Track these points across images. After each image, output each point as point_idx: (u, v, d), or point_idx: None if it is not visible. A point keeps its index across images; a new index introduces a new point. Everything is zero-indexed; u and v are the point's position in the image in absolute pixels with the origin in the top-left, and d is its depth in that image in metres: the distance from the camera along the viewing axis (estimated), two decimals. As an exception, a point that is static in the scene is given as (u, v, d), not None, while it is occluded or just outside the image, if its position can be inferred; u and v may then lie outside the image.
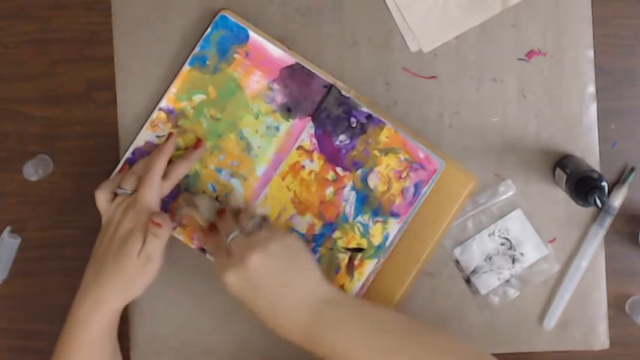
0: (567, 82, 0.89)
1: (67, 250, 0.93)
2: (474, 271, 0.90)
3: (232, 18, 0.88)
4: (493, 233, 0.90)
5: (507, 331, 0.90)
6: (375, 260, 0.86)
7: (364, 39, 0.90)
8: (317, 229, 0.87)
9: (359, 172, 0.86)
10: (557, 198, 0.89)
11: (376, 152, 0.86)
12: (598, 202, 0.80)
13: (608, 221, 0.89)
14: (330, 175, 0.87)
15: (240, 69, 0.88)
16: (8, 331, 0.94)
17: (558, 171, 0.87)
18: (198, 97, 0.89)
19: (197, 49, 0.88)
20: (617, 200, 0.89)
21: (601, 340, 0.90)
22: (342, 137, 0.86)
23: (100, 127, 0.92)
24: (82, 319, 0.80)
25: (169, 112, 0.89)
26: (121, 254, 0.80)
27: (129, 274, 0.80)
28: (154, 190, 0.83)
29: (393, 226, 0.86)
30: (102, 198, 0.85)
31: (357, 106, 0.86)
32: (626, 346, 0.91)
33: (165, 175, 0.84)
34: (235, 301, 0.79)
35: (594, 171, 0.83)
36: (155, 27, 0.90)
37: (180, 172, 0.86)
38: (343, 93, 0.87)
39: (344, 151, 0.87)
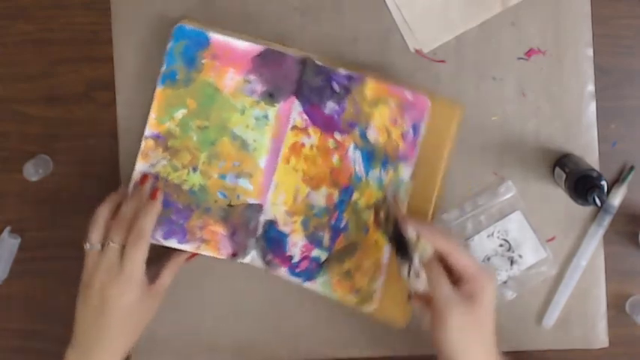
0: (567, 81, 0.89)
1: (67, 250, 0.93)
2: (473, 271, 0.90)
3: (189, 26, 0.87)
4: (492, 234, 0.90)
5: (506, 329, 0.90)
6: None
7: (363, 38, 0.90)
8: (335, 198, 0.87)
9: (356, 131, 0.86)
10: (557, 197, 0.89)
11: (366, 107, 0.86)
12: (597, 201, 0.80)
13: (607, 220, 0.89)
14: (331, 143, 0.87)
15: (212, 72, 0.87)
16: (8, 331, 0.94)
17: (558, 170, 0.87)
18: (180, 113, 0.88)
19: (164, 67, 0.87)
20: (617, 199, 0.89)
21: (600, 338, 0.90)
22: (330, 104, 0.86)
23: (100, 127, 0.92)
24: None
25: (156, 138, 0.88)
26: (124, 315, 0.81)
27: (136, 324, 0.82)
28: (147, 248, 0.82)
29: (405, 170, 0.86)
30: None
31: (335, 71, 0.86)
32: (626, 345, 0.90)
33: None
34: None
35: (593, 170, 0.83)
36: (155, 26, 0.90)
37: (150, 229, 0.83)
38: (318, 63, 0.86)
39: (336, 117, 0.86)
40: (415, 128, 0.86)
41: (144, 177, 0.87)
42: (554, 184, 0.89)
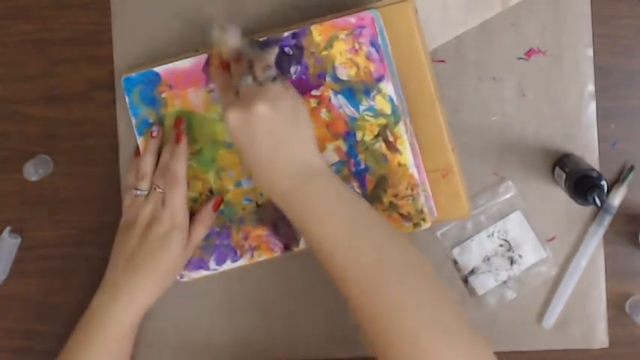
0: (566, 81, 0.89)
1: (67, 250, 0.93)
2: (471, 272, 0.90)
3: (134, 73, 0.87)
4: (492, 234, 0.90)
5: (506, 329, 0.90)
6: (402, 123, 0.85)
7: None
8: (344, 147, 0.86)
9: (328, 79, 0.85)
10: (557, 197, 0.89)
11: (323, 52, 0.85)
12: (597, 200, 0.80)
13: (607, 220, 0.89)
14: (313, 102, 0.86)
15: (176, 100, 0.87)
16: (8, 331, 0.94)
17: (557, 170, 0.87)
18: None
19: (134, 120, 0.88)
20: (617, 199, 0.89)
21: (600, 338, 0.90)
22: (293, 69, 0.86)
23: (100, 127, 0.92)
24: (113, 315, 0.82)
25: None
26: (161, 252, 0.83)
27: (168, 269, 0.84)
28: (184, 190, 0.84)
29: (388, 87, 0.84)
30: (128, 200, 0.87)
31: (280, 38, 0.85)
32: (626, 345, 0.90)
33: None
34: (231, 140, 0.80)
35: (593, 170, 0.83)
36: (155, 26, 0.90)
37: (182, 171, 0.85)
38: (261, 39, 0.86)
39: (304, 77, 0.86)
40: (373, 44, 0.84)
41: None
42: (554, 184, 0.89)
